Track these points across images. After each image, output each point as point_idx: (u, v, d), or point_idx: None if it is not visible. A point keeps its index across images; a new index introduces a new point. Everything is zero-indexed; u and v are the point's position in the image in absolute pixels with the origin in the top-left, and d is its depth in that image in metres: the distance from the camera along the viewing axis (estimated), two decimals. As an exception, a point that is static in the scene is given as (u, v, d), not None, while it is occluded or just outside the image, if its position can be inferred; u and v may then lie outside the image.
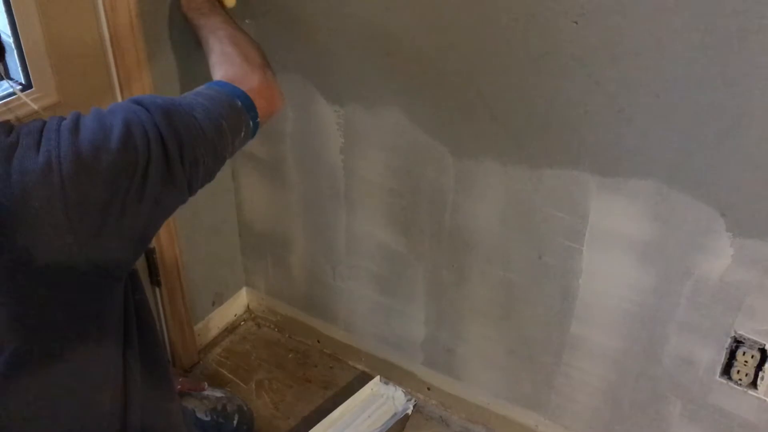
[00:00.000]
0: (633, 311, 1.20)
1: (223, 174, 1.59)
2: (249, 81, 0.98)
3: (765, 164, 0.98)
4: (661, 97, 1.01)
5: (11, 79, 1.15)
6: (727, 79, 0.95)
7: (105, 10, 1.16)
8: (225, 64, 1.03)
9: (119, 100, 1.24)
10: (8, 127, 0.78)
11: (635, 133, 1.06)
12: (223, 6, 1.22)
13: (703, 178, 1.04)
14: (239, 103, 0.93)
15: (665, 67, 0.99)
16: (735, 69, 0.94)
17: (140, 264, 1.44)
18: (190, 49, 1.29)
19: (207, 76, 1.04)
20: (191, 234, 1.55)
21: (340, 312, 1.63)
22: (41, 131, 0.77)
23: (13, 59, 1.14)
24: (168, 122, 0.83)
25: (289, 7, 1.30)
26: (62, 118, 0.80)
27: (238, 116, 0.93)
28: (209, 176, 0.91)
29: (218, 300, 1.73)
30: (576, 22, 1.03)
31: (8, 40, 1.12)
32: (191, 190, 0.89)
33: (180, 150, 0.83)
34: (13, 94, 1.07)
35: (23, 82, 1.15)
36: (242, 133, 0.94)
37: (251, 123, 0.95)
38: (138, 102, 0.85)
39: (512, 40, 1.09)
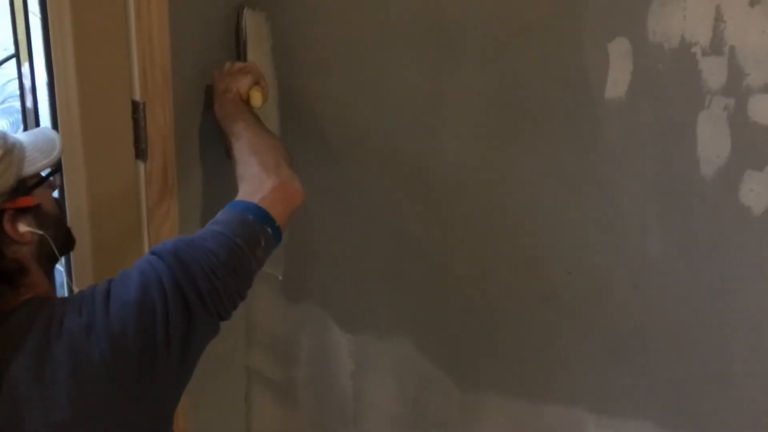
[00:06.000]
0: None
1: (235, 395, 1.65)
2: (261, 191, 1.04)
3: (753, 416, 1.04)
4: (649, 343, 1.10)
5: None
6: (709, 332, 1.05)
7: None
8: (243, 179, 1.09)
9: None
10: (62, 300, 0.93)
11: (629, 375, 1.13)
12: (250, 106, 1.27)
13: (696, 423, 1.09)
14: (251, 217, 0.99)
15: (650, 315, 1.09)
16: (717, 321, 1.04)
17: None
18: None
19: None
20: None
21: None
22: (81, 299, 0.90)
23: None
24: (178, 262, 0.91)
25: (309, 241, 1.44)
26: (96, 286, 0.91)
27: (252, 229, 0.98)
28: (238, 296, 0.96)
29: None
30: (569, 273, 1.15)
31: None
32: (221, 317, 0.95)
33: (195, 285, 0.90)
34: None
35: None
36: (262, 243, 0.99)
37: (269, 230, 1.00)
38: (152, 252, 0.94)
39: (514, 286, 1.21)
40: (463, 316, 1.28)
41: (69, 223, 1.19)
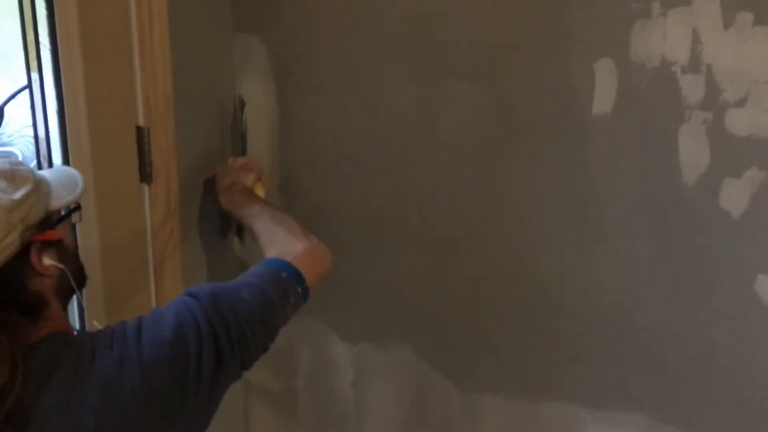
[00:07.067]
0: None
1: (234, 409, 1.68)
2: (293, 251, 1.09)
3: (736, 405, 1.13)
4: (639, 340, 1.18)
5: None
6: (695, 328, 1.13)
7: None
8: (273, 243, 1.15)
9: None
10: (90, 335, 0.92)
11: (621, 370, 1.21)
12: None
13: (684, 413, 1.17)
14: (284, 274, 1.03)
15: (639, 314, 1.17)
16: (702, 318, 1.12)
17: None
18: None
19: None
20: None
21: None
22: (112, 335, 0.90)
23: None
24: (215, 307, 0.93)
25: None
26: (126, 323, 0.92)
27: (284, 286, 1.02)
28: (263, 348, 0.99)
29: None
30: (562, 277, 1.22)
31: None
32: (244, 366, 0.97)
33: (227, 331, 0.92)
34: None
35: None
36: (292, 300, 1.03)
37: (299, 288, 1.04)
38: (189, 293, 0.95)
39: (509, 291, 1.28)
40: (461, 320, 1.35)
41: (79, 245, 1.23)
